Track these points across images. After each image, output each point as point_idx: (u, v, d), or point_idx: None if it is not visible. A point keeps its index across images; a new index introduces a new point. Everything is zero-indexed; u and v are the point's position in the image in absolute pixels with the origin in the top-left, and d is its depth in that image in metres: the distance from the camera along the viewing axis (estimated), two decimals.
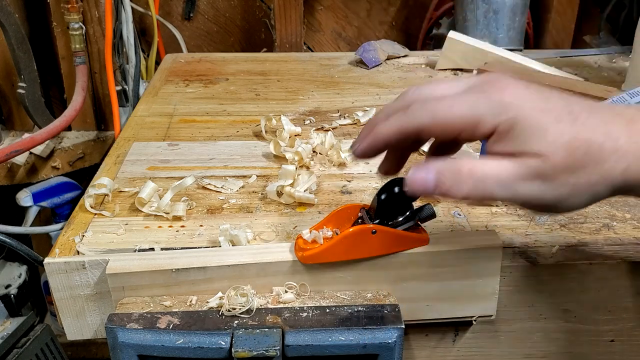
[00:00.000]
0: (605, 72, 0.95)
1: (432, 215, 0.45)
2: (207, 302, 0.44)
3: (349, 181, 0.59)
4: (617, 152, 0.35)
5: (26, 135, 0.87)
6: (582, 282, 0.50)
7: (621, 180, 0.36)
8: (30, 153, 0.95)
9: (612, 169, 0.35)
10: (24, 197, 0.99)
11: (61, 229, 0.51)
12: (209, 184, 0.58)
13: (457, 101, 0.37)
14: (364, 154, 0.40)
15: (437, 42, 1.18)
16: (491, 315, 0.48)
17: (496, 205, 0.54)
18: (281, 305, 0.45)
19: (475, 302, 0.48)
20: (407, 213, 0.44)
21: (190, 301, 0.45)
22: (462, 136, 0.37)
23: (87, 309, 0.47)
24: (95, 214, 0.53)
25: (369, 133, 0.40)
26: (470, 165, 0.37)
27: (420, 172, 0.37)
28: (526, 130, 0.35)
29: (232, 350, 0.40)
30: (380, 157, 0.42)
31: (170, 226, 0.51)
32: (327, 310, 0.44)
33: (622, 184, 0.36)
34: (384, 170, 0.44)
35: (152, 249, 0.48)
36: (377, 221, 0.44)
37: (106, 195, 0.56)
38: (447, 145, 0.42)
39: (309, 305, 0.44)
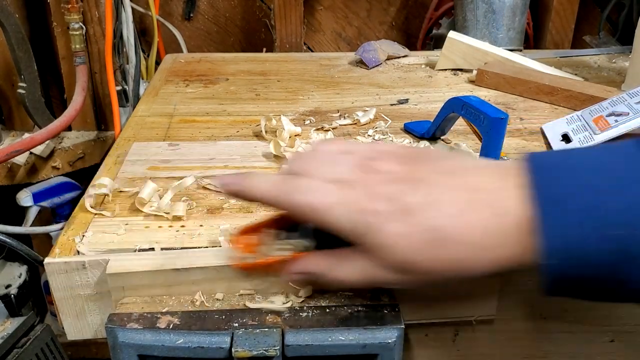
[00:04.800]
0: (605, 72, 0.95)
1: None
2: (207, 302, 0.44)
3: None
4: None
5: (26, 135, 0.87)
6: None
7: None
8: (31, 153, 0.95)
9: None
10: (24, 197, 0.99)
11: (61, 229, 0.51)
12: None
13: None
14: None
15: (437, 42, 1.18)
16: (491, 315, 0.48)
17: None
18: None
19: (475, 302, 0.48)
20: None
21: (190, 301, 0.45)
22: None
23: (87, 309, 0.47)
24: (96, 214, 0.53)
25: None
26: None
27: None
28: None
29: (232, 350, 0.40)
30: None
31: (171, 226, 0.51)
32: (327, 310, 0.44)
33: None
34: None
35: (152, 249, 0.48)
36: None
37: (106, 195, 0.56)
38: None
39: (309, 305, 0.44)
